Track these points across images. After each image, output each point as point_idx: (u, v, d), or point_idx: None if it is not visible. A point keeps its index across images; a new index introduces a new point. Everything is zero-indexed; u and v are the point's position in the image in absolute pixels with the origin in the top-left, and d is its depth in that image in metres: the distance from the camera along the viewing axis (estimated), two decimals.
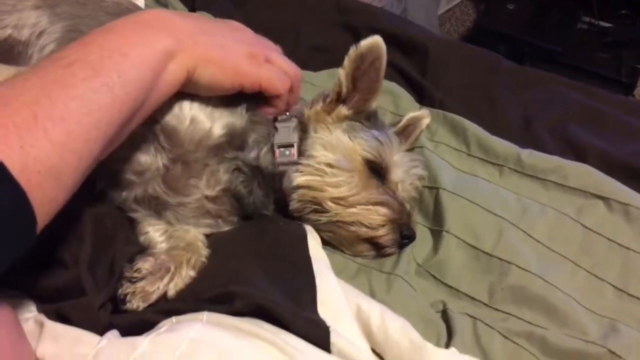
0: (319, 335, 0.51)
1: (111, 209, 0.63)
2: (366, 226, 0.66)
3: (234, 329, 0.50)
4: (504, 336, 0.62)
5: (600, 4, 1.89)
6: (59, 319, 0.51)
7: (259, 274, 0.58)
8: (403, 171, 0.70)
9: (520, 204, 0.73)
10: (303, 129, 0.68)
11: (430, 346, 0.55)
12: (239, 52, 0.58)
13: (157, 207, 0.65)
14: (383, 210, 0.67)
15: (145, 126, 0.57)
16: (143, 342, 0.47)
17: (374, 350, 0.56)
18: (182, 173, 0.63)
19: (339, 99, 0.69)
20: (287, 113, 0.67)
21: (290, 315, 0.52)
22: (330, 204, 0.66)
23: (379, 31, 0.66)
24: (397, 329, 0.55)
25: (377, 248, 0.68)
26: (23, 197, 0.38)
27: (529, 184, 0.76)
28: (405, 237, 0.67)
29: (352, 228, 0.67)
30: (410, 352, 0.54)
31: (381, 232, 0.67)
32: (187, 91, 0.57)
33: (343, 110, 0.69)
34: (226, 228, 0.68)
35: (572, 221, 0.72)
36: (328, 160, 0.67)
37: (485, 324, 0.62)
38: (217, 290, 0.55)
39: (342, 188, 0.66)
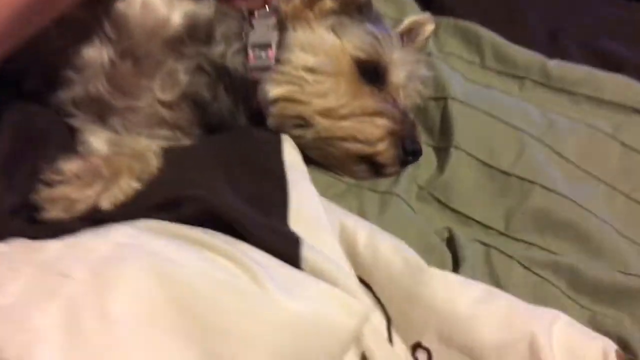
0: (285, 248, 0.40)
1: (45, 109, 0.52)
2: (361, 141, 0.55)
3: (177, 236, 0.39)
4: (524, 267, 0.50)
5: None
6: None
7: (220, 184, 0.47)
8: (406, 72, 0.58)
9: (546, 118, 0.61)
10: (280, 29, 0.57)
11: (430, 268, 0.43)
12: None
13: (102, 113, 0.54)
14: (381, 121, 0.55)
15: (87, 11, 0.48)
16: (54, 246, 0.37)
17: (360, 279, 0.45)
18: (131, 70, 0.52)
19: None
20: (267, 8, 0.56)
21: (249, 223, 0.40)
22: (318, 118, 0.55)
23: None
24: (389, 247, 0.44)
25: (376, 167, 0.56)
26: None
27: (556, 98, 0.64)
28: (408, 152, 0.55)
29: (345, 144, 0.55)
30: (403, 275, 0.43)
31: (380, 147, 0.55)
32: None
33: (328, 2, 0.57)
34: (186, 142, 0.56)
35: (609, 138, 0.60)
36: (308, 64, 0.55)
37: (502, 252, 0.51)
38: (163, 196, 0.44)
39: (329, 97, 0.55)
